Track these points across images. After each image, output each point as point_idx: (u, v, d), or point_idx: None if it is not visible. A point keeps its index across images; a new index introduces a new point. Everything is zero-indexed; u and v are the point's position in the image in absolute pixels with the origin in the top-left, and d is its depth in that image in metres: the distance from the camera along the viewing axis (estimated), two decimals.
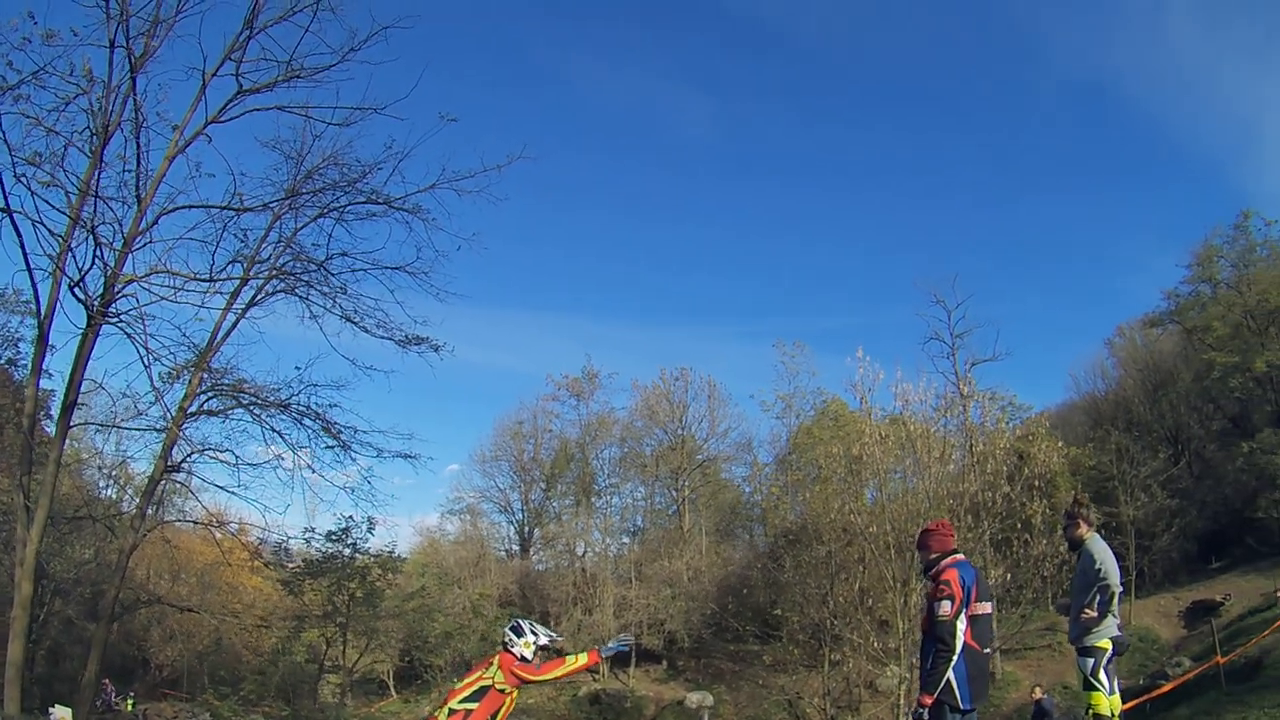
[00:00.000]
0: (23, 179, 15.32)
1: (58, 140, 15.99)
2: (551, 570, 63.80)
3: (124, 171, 17.12)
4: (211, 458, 23.19)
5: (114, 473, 41.72)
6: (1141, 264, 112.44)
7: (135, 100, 16.67)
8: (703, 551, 56.95)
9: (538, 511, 70.27)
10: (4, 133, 14.80)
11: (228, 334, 22.89)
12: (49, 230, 16.27)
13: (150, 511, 27.23)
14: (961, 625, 7.57)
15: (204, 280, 18.55)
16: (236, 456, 22.65)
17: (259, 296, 22.85)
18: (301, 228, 22.00)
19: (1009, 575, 29.30)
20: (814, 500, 38.86)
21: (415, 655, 52.03)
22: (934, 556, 8.05)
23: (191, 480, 25.63)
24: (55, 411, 22.88)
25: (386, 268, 21.37)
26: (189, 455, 23.44)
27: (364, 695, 52.18)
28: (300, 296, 21.88)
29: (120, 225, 17.28)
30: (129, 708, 36.85)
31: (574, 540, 63.50)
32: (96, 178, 16.71)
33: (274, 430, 22.41)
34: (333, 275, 21.58)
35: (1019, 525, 29.74)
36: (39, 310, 17.74)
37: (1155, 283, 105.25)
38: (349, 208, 21.32)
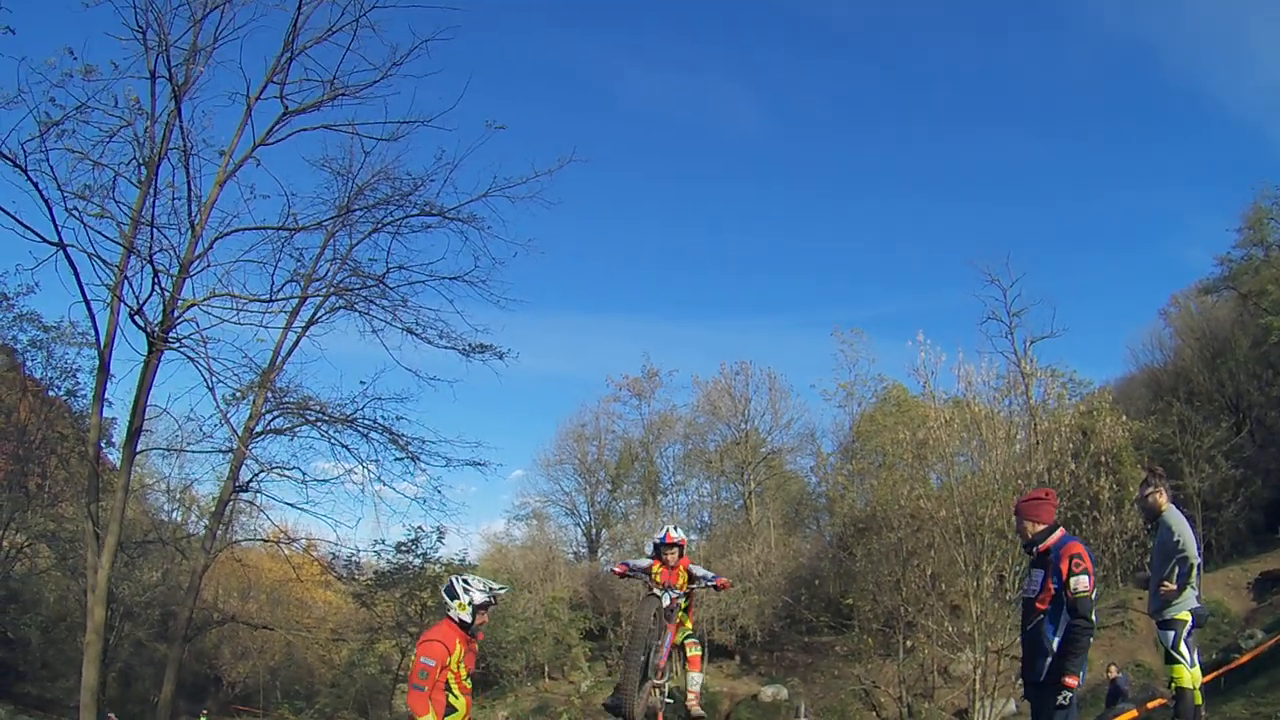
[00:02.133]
0: (74, 212, 15.50)
1: (105, 173, 16.16)
2: None
3: (174, 199, 17.28)
4: (280, 476, 23.53)
5: (179, 496, 42.29)
6: (1193, 232, 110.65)
7: (182, 128, 16.82)
8: (771, 544, 56.62)
9: (604, 513, 70.44)
10: (52, 169, 14.94)
11: (289, 353, 23.28)
12: (104, 261, 16.47)
13: (219, 532, 27.54)
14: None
15: (263, 301, 18.74)
16: (304, 473, 23.03)
17: (319, 314, 23.26)
18: (357, 244, 22.31)
19: None
20: (881, 487, 38.59)
21: (490, 661, 52.30)
22: (1043, 529, 7.72)
23: (259, 499, 26.05)
24: (118, 439, 23.27)
25: (445, 278, 21.61)
26: (257, 475, 23.92)
27: None
28: (360, 311, 22.21)
29: (176, 252, 17.43)
30: None
31: (642, 540, 63.49)
32: (152, 206, 16.87)
33: (342, 445, 22.77)
34: (391, 289, 21.85)
35: (1087, 503, 29.26)
36: (98, 340, 17.94)
37: (1208, 248, 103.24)
38: (403, 221, 21.50)
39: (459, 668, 8.67)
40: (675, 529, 11.21)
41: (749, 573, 53.20)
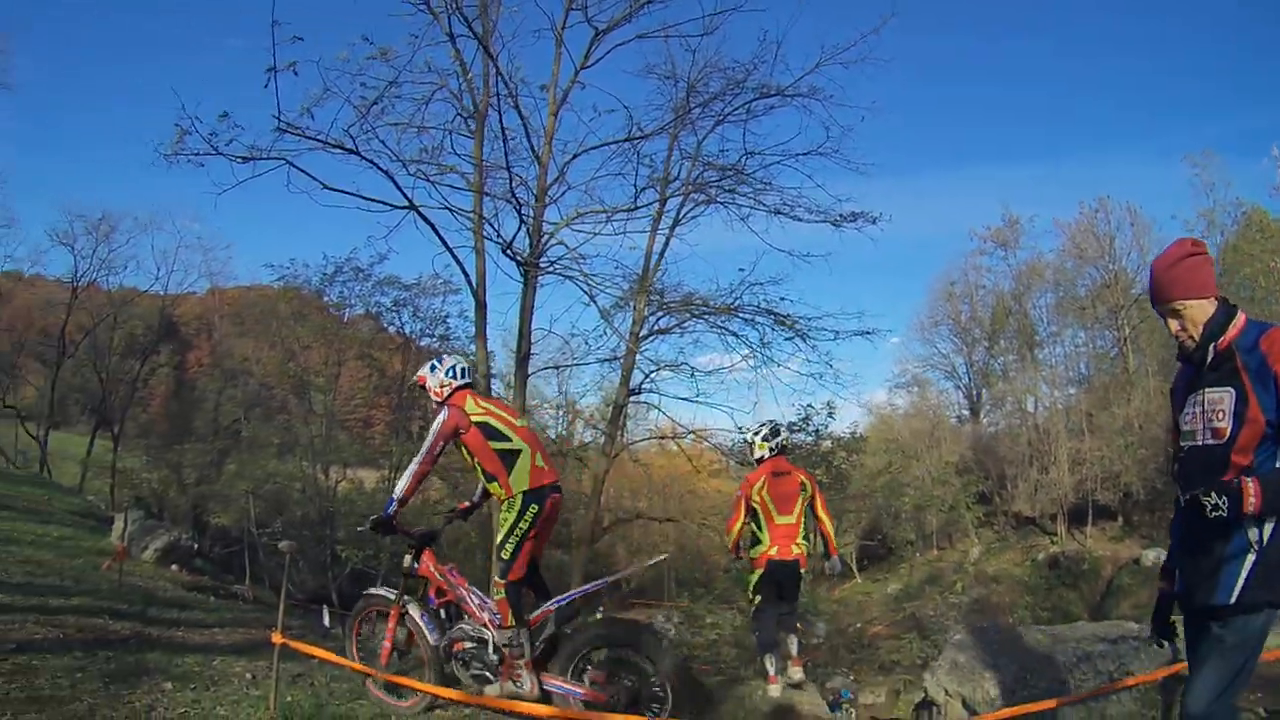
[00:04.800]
0: (419, 175, 17.01)
1: (435, 135, 17.62)
2: (1004, 431, 63.07)
3: (511, 139, 18.59)
4: (670, 373, 25.15)
5: (566, 410, 45.37)
6: None
7: (500, 73, 17.76)
8: (1150, 393, 54.46)
9: (983, 372, 68.66)
10: (383, 142, 16.33)
11: (661, 255, 24.46)
12: (461, 211, 18.10)
13: (617, 436, 29.66)
14: None
15: (627, 210, 19.84)
16: (693, 369, 24.47)
17: (683, 213, 24.41)
18: (704, 139, 22.98)
19: None
20: None
21: (885, 532, 53.27)
22: (1217, 313, 4.10)
23: (650, 398, 27.97)
24: (495, 370, 25.64)
25: (799, 154, 21.80)
26: (647, 376, 25.49)
27: (831, 579, 53.90)
28: (723, 203, 23.00)
29: (529, 185, 18.80)
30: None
31: (1023, 397, 62.46)
32: (504, 148, 18.04)
33: (731, 334, 23.89)
34: (748, 175, 22.49)
35: None
36: (469, 281, 19.52)
37: None
38: (744, 108, 22.06)
39: None
40: (430, 365, 7.56)
41: (1130, 426, 51.80)
